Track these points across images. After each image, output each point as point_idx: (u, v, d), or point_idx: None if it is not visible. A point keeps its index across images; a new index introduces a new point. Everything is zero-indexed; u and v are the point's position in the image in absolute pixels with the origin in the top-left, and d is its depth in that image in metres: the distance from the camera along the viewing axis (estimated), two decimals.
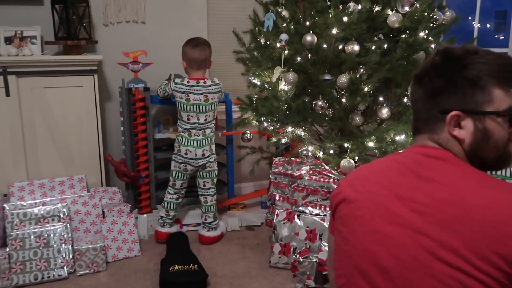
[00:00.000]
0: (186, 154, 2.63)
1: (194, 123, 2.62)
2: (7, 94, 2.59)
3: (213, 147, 2.71)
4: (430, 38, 2.42)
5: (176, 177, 2.71)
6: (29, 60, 2.61)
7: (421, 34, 2.36)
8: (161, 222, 2.74)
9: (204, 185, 2.75)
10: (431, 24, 2.45)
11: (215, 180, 2.77)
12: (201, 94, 2.60)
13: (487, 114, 0.92)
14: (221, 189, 3.17)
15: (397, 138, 2.35)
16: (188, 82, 2.61)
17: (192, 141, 2.62)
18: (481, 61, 0.93)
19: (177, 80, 2.64)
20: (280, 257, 2.44)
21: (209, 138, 2.67)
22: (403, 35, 2.37)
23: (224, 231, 2.87)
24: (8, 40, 2.67)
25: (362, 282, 0.94)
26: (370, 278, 0.93)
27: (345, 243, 1.00)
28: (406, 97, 2.46)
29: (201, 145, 2.63)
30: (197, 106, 2.60)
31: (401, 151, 1.09)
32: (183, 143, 2.63)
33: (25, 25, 2.69)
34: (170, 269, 2.29)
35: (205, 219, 2.77)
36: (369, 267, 0.93)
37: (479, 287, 0.82)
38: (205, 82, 2.62)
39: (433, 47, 2.43)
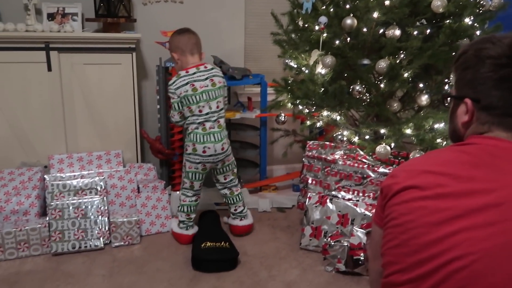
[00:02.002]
0: (204, 152, 2.39)
1: (207, 114, 2.38)
2: (49, 69, 2.66)
3: (228, 138, 2.53)
4: (475, 24, 2.35)
5: (194, 178, 2.48)
6: (70, 37, 2.66)
7: (466, 20, 2.30)
8: (183, 227, 2.53)
9: (225, 179, 2.57)
10: (477, 10, 2.38)
11: (235, 170, 2.60)
12: (206, 79, 2.39)
13: None
14: (253, 170, 3.19)
15: (436, 126, 2.30)
16: (187, 71, 2.39)
17: (208, 136, 2.39)
18: None
19: (174, 79, 2.39)
20: (310, 239, 2.45)
21: (224, 130, 2.46)
22: (447, 21, 2.31)
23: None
24: (51, 17, 2.73)
25: (420, 271, 0.90)
26: (430, 267, 0.89)
27: (402, 231, 0.94)
28: (447, 85, 2.41)
29: (219, 138, 2.41)
30: (206, 93, 2.37)
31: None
32: (198, 140, 2.39)
33: (67, 2, 2.74)
34: (202, 245, 2.33)
35: (235, 209, 2.61)
36: (430, 257, 0.89)
37: None
38: (205, 67, 2.43)
39: (478, 34, 2.36)
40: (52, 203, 2.40)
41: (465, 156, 0.96)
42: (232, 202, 2.62)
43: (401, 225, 0.95)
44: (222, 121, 2.44)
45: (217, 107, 2.41)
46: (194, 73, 2.38)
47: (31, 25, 2.61)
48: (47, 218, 2.39)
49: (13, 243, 2.29)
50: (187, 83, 2.36)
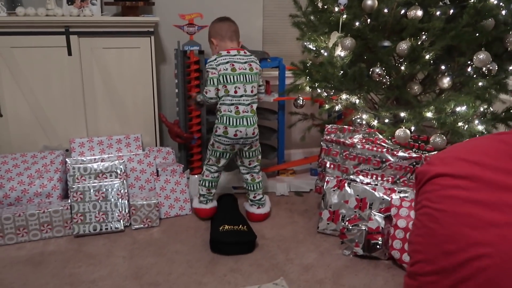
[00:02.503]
0: (235, 135, 2.43)
1: (241, 96, 2.42)
2: (69, 53, 2.68)
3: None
4: (501, 4, 2.26)
5: (222, 156, 2.54)
6: (89, 21, 2.67)
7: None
8: (203, 200, 2.61)
9: (249, 164, 2.60)
10: None
11: (260, 157, 2.63)
12: (245, 62, 2.46)
13: None
14: (270, 154, 3.19)
15: (458, 109, 2.25)
16: (228, 52, 2.47)
17: (241, 120, 2.42)
18: None
19: (215, 56, 2.47)
20: (328, 223, 2.45)
21: (256, 115, 2.50)
22: (471, 0, 2.23)
23: (270, 206, 2.74)
24: (70, 1, 2.74)
25: (445, 264, 0.87)
26: (455, 261, 0.86)
27: (431, 220, 0.92)
28: (469, 67, 2.35)
29: (252, 123, 2.44)
30: (244, 75, 2.43)
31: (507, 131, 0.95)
32: (230, 123, 2.41)
33: None
34: (220, 228, 2.35)
35: (254, 197, 2.63)
36: (457, 250, 0.86)
37: None
38: (245, 52, 2.51)
39: (504, 14, 2.28)
40: (73, 186, 2.45)
41: (503, 146, 0.90)
42: (252, 188, 2.63)
43: (431, 213, 0.92)
44: (255, 106, 2.48)
45: (252, 91, 2.45)
46: (234, 55, 2.46)
47: (51, 10, 2.63)
48: (69, 201, 2.44)
49: (37, 224, 2.35)
50: (227, 62, 2.43)
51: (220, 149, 2.50)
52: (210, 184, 2.60)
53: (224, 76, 2.42)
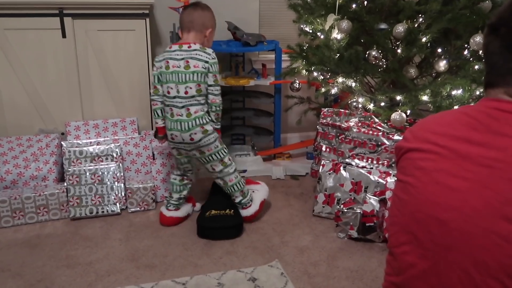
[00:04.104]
0: (172, 138, 2.26)
1: (174, 97, 2.19)
2: (64, 35, 2.65)
3: (208, 126, 2.24)
4: None
5: (177, 159, 2.38)
6: (84, 2, 2.63)
7: None
8: (165, 203, 2.45)
9: (213, 169, 2.34)
10: None
11: (225, 158, 2.34)
12: (182, 59, 2.18)
13: None
14: (267, 138, 3.19)
15: (454, 92, 2.25)
16: (170, 47, 2.24)
17: (175, 123, 2.21)
18: None
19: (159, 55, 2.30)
20: (323, 206, 2.46)
21: (198, 119, 2.20)
22: None
23: (265, 197, 2.51)
24: None
25: (418, 232, 0.93)
26: (426, 228, 0.91)
27: (404, 192, 0.98)
28: (466, 50, 2.33)
29: (186, 128, 2.19)
30: (176, 74, 2.18)
31: (472, 104, 1.02)
32: (168, 126, 2.25)
33: None
34: (207, 214, 2.36)
35: (234, 200, 2.42)
36: (427, 217, 0.91)
37: None
38: (189, 46, 2.20)
39: None
40: (69, 169, 2.45)
41: (465, 117, 0.95)
42: (229, 192, 2.41)
43: (403, 186, 0.99)
44: (193, 109, 2.19)
45: (186, 92, 2.18)
46: (173, 51, 2.22)
47: None
48: (65, 184, 2.44)
49: (33, 207, 2.36)
50: (163, 59, 2.22)
51: (175, 152, 2.35)
52: (172, 187, 2.43)
53: (160, 74, 2.24)
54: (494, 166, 0.85)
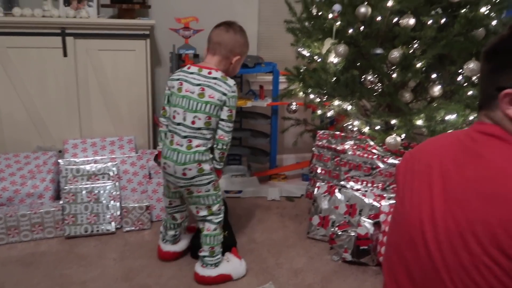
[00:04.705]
0: (164, 168, 2.02)
1: (178, 124, 1.96)
2: (65, 54, 2.69)
3: (206, 166, 1.99)
4: (491, 14, 2.30)
5: (164, 193, 2.19)
6: (85, 22, 2.69)
7: (482, 9, 2.25)
8: (161, 237, 2.28)
9: (197, 212, 2.08)
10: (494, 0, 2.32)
11: (214, 207, 2.07)
12: (198, 85, 1.95)
13: None
14: (263, 159, 3.21)
15: (448, 117, 2.27)
16: (189, 68, 2.02)
17: (172, 152, 1.97)
18: None
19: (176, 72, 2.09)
20: (318, 229, 2.46)
21: (197, 154, 1.95)
22: (463, 10, 2.26)
23: (233, 275, 2.12)
24: (67, 2, 2.75)
25: (396, 242, 1.03)
26: (401, 239, 1.01)
27: (397, 213, 1.05)
28: (460, 76, 2.37)
29: (182, 161, 1.95)
30: (188, 99, 1.94)
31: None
32: (163, 152, 2.03)
33: None
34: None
35: (200, 252, 2.11)
36: (409, 240, 0.98)
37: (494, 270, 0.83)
38: (210, 73, 1.97)
39: (494, 24, 2.31)
40: (66, 187, 2.46)
41: (456, 141, 1.01)
42: (201, 240, 2.12)
43: (396, 205, 1.07)
44: (196, 142, 1.96)
45: (193, 122, 1.95)
46: (191, 73, 1.99)
47: (48, 11, 2.64)
48: (61, 202, 2.45)
49: (28, 225, 2.36)
50: (177, 79, 2.00)
51: (165, 182, 2.14)
52: (165, 223, 2.24)
53: (171, 95, 2.02)
54: (469, 186, 0.90)
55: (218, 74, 1.97)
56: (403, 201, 1.02)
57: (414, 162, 1.05)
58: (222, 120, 1.98)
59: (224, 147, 2.03)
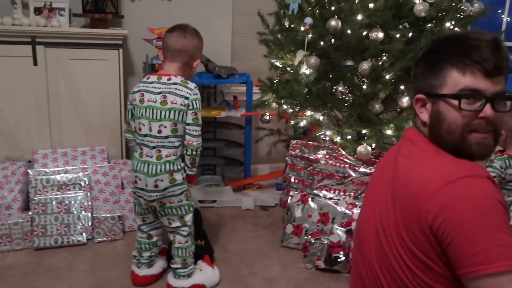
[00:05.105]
0: (135, 182, 1.97)
1: (145, 136, 1.93)
2: (35, 63, 2.65)
3: (178, 175, 1.96)
4: (456, 29, 2.40)
5: (136, 211, 2.11)
6: (57, 31, 2.66)
7: (447, 24, 2.34)
8: (135, 262, 2.15)
9: (169, 223, 2.04)
10: (458, 15, 2.43)
11: (186, 217, 2.04)
12: (159, 93, 1.91)
13: (437, 96, 0.96)
14: (237, 168, 3.22)
15: None
16: (148, 78, 1.98)
17: (142, 165, 1.93)
18: (446, 45, 0.97)
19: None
20: (292, 237, 2.49)
21: (168, 164, 1.92)
22: (429, 25, 2.36)
23: (206, 284, 2.11)
24: (38, 11, 2.73)
25: (355, 248, 1.17)
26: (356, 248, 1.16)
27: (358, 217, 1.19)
28: None
29: (154, 172, 1.91)
30: (151, 109, 1.91)
31: None
32: (133, 166, 1.98)
33: None
34: None
35: (171, 263, 2.09)
36: (356, 240, 1.15)
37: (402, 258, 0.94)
38: (169, 79, 1.93)
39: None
40: (35, 198, 2.41)
41: (393, 151, 1.13)
42: (172, 253, 2.09)
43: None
44: (165, 152, 1.93)
45: (159, 131, 1.91)
46: (151, 83, 1.95)
47: (18, 19, 2.61)
48: (30, 213, 2.39)
49: None
50: (138, 91, 1.96)
51: (134, 199, 2.09)
52: (139, 246, 2.13)
53: (134, 108, 1.97)
54: (383, 188, 1.04)
55: (178, 79, 1.95)
56: (362, 207, 1.17)
57: (375, 170, 1.19)
58: (188, 124, 1.95)
59: (194, 152, 1.98)
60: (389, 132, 2.39)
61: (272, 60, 2.87)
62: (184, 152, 1.99)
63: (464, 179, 0.86)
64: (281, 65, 2.79)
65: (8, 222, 2.32)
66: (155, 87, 1.94)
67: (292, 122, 2.73)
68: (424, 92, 0.99)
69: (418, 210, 0.88)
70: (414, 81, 1.05)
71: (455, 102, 0.93)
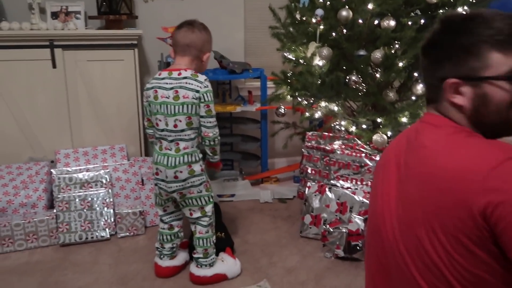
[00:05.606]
0: (157, 174, 2.05)
1: (163, 130, 2.01)
2: (54, 66, 2.73)
3: (197, 166, 2.03)
4: None
5: (156, 202, 2.18)
6: (73, 34, 2.73)
7: (459, 9, 2.33)
8: (158, 253, 2.20)
9: (190, 214, 2.11)
10: (471, 0, 2.41)
11: (207, 207, 2.10)
12: (171, 89, 1.97)
13: (483, 79, 0.92)
14: (254, 162, 3.25)
15: None
16: (159, 74, 2.04)
17: (162, 157, 2.01)
18: (480, 26, 0.93)
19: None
20: (310, 227, 2.51)
21: (187, 156, 2.00)
22: (441, 11, 2.35)
23: (228, 274, 2.17)
24: (54, 15, 2.80)
25: (372, 238, 1.12)
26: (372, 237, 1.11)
27: (369, 207, 1.17)
28: None
29: (173, 164, 1.99)
30: (165, 105, 1.98)
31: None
32: (154, 159, 2.06)
33: (70, 1, 2.81)
34: None
35: (194, 253, 2.15)
36: (376, 230, 1.08)
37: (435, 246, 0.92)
38: (179, 74, 1.98)
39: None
40: (59, 196, 2.48)
41: (403, 138, 1.10)
42: (194, 243, 2.16)
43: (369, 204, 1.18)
44: (183, 144, 2.00)
45: (175, 126, 1.98)
46: (162, 79, 2.01)
47: (36, 24, 2.69)
48: (55, 210, 2.46)
49: (22, 234, 2.37)
50: (152, 88, 2.02)
51: (155, 190, 2.15)
52: (161, 237, 2.18)
53: (149, 104, 2.05)
54: (410, 173, 1.00)
55: (188, 73, 1.99)
56: (372, 195, 1.12)
57: (382, 158, 1.14)
58: (202, 116, 2.01)
59: (212, 143, 2.04)
60: (404, 119, 2.39)
61: (285, 54, 2.88)
62: (203, 143, 2.05)
63: (510, 160, 0.85)
64: (294, 58, 2.81)
65: (34, 220, 2.39)
66: (167, 83, 2.00)
67: (307, 114, 2.75)
68: (460, 76, 0.95)
69: (463, 194, 0.86)
70: (433, 65, 1.00)
71: (503, 83, 0.92)
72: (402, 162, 1.02)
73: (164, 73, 2.03)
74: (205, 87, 1.99)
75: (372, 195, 1.13)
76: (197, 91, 1.97)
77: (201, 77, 2.00)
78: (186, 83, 1.97)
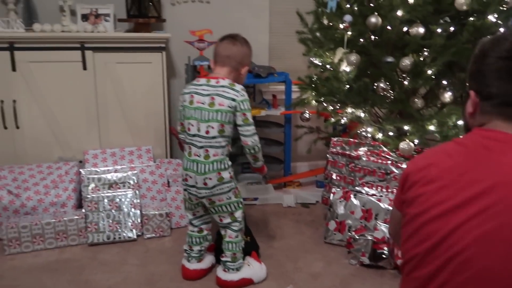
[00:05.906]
0: (186, 180, 2.08)
1: (194, 136, 2.03)
2: (84, 67, 2.78)
3: (226, 174, 2.05)
4: (499, 21, 2.36)
5: (186, 206, 2.21)
6: (103, 37, 2.78)
7: (490, 17, 2.32)
8: (185, 256, 2.23)
9: (220, 220, 2.14)
10: (501, 7, 2.39)
11: (236, 213, 2.13)
12: (208, 95, 2.01)
13: None
14: (277, 166, 3.27)
15: (459, 122, 2.34)
16: (198, 80, 2.10)
17: (192, 164, 2.04)
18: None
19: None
20: (335, 234, 2.52)
21: (216, 163, 2.01)
22: (470, 18, 2.34)
23: (254, 279, 2.18)
24: (85, 17, 2.86)
25: (430, 259, 0.98)
26: (435, 256, 0.96)
27: (413, 220, 1.03)
28: None
29: (203, 171, 2.01)
30: (199, 111, 2.01)
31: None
32: (183, 164, 2.09)
33: (100, 3, 2.86)
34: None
35: (221, 257, 2.18)
36: (436, 246, 0.96)
37: None
38: (217, 82, 2.03)
39: (502, 31, 2.38)
40: (88, 196, 2.53)
41: (460, 148, 1.03)
42: (223, 247, 2.18)
43: (412, 218, 1.03)
44: (213, 151, 2.02)
45: (207, 132, 2.01)
46: (200, 85, 2.07)
47: (67, 26, 2.74)
48: (83, 210, 2.52)
49: (52, 233, 2.43)
50: (189, 92, 2.08)
51: (185, 195, 2.18)
52: (190, 240, 2.22)
53: (184, 108, 2.09)
54: (491, 190, 0.93)
55: (226, 82, 2.03)
56: (416, 207, 1.02)
57: (418, 169, 1.05)
58: (240, 125, 2.04)
59: (252, 151, 2.09)
60: (431, 127, 2.38)
61: (311, 58, 2.90)
62: (244, 152, 2.12)
63: None
64: (320, 63, 2.82)
65: (64, 219, 2.45)
66: (204, 89, 2.05)
67: (332, 120, 2.75)
68: None
69: None
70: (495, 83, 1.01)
71: None
72: (469, 181, 0.98)
73: (203, 80, 2.08)
74: (242, 96, 2.02)
75: (427, 207, 1.02)
76: (234, 100, 2.00)
77: (238, 87, 2.04)
78: (223, 91, 2.01)
